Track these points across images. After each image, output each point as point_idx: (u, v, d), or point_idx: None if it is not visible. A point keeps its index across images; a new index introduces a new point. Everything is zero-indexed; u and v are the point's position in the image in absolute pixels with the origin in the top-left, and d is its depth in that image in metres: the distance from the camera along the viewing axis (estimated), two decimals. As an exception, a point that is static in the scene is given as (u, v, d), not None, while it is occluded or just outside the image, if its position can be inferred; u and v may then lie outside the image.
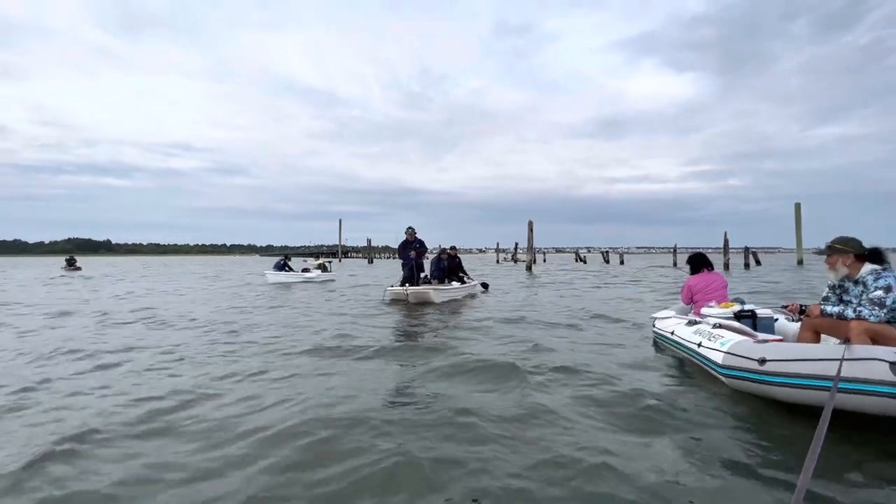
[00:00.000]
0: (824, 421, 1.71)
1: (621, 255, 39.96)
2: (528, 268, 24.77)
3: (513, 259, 43.89)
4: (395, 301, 8.93)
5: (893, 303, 2.81)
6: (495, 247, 49.34)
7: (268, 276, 15.68)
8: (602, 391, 3.16)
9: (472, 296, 10.26)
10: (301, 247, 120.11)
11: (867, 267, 2.99)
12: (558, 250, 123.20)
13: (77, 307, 8.54)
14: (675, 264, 28.80)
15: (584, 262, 38.15)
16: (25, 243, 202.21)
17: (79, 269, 26.16)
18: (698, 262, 4.78)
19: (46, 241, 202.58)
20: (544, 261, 45.65)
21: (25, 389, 3.35)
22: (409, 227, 9.52)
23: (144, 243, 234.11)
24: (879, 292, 2.83)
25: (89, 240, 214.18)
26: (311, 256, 20.25)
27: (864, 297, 2.92)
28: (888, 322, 2.80)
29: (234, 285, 14.76)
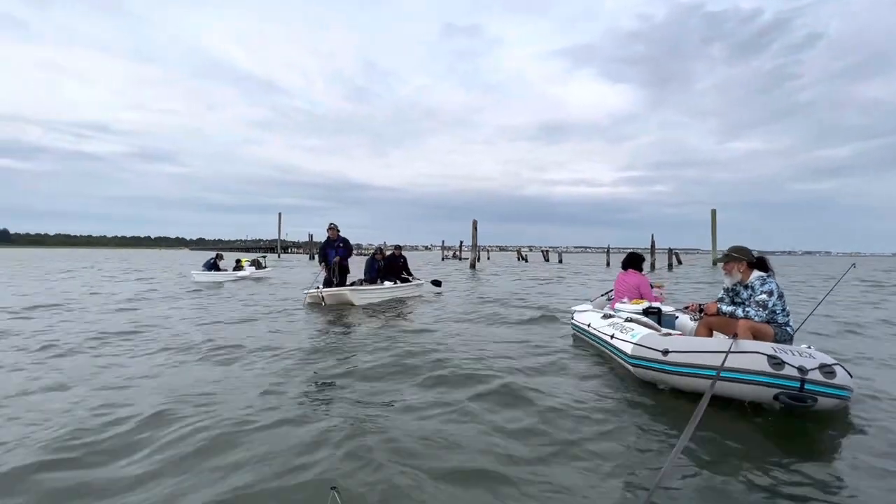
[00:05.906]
0: (703, 401, 1.99)
1: (560, 254, 42.29)
2: (472, 265, 25.24)
3: (455, 257, 44.60)
4: (313, 305, 7.87)
5: (773, 305, 3.27)
6: (441, 244, 49.80)
7: (194, 275, 14.53)
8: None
9: (404, 298, 9.17)
10: (237, 241, 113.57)
11: (755, 273, 3.44)
12: (502, 248, 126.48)
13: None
14: (608, 264, 30.92)
15: (526, 261, 39.54)
16: None
17: None
18: (624, 262, 5.27)
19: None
20: (488, 258, 46.80)
21: None
22: (332, 224, 8.60)
23: (51, 234, 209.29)
24: (764, 296, 3.29)
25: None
26: (243, 253, 19.05)
27: (751, 299, 3.36)
28: (768, 322, 3.27)
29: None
